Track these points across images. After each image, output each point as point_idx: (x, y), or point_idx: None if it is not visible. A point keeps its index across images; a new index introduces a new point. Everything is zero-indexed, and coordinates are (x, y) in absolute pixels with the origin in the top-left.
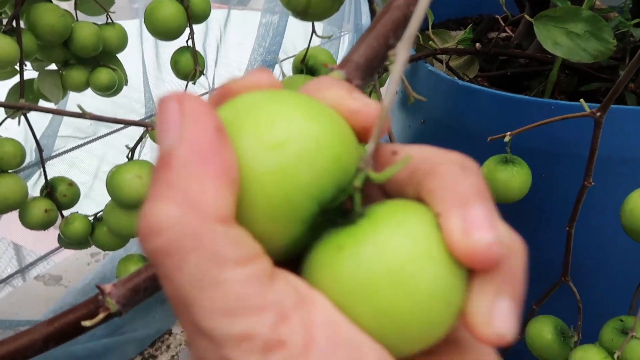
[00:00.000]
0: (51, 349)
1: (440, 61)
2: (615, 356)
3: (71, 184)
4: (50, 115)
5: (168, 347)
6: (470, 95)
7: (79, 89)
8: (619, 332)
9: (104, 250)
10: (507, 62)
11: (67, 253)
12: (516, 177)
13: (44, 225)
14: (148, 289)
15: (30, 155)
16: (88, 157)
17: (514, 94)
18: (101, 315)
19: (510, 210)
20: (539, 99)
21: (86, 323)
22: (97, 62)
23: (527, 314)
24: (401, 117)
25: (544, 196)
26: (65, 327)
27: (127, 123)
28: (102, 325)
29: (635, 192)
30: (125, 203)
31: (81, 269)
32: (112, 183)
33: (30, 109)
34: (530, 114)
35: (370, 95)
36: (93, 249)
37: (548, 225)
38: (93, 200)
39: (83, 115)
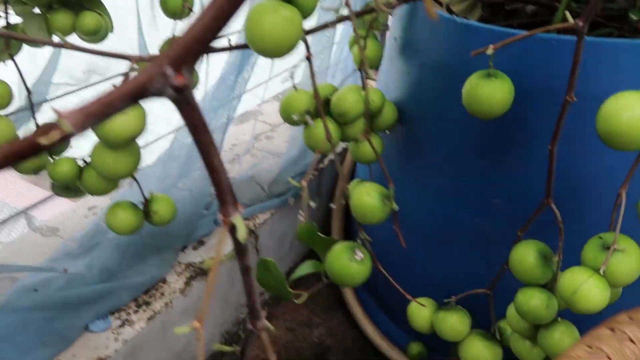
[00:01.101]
0: (9, 165)
1: (440, 4)
2: (601, 271)
3: None
4: (43, 64)
5: (162, 294)
6: (470, 34)
7: (65, 32)
8: (600, 248)
9: (93, 195)
10: (514, 13)
11: (65, 206)
12: (499, 92)
13: (35, 170)
14: (101, 115)
15: (22, 101)
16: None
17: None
18: (56, 134)
19: (495, 134)
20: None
21: (42, 140)
22: (82, 5)
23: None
24: (399, 64)
25: (528, 117)
26: (23, 146)
27: (119, 57)
28: (95, 272)
29: (610, 97)
30: (111, 142)
31: (79, 222)
32: None
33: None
34: (530, 49)
35: (366, 40)
36: (91, 202)
37: (532, 147)
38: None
39: (82, 49)
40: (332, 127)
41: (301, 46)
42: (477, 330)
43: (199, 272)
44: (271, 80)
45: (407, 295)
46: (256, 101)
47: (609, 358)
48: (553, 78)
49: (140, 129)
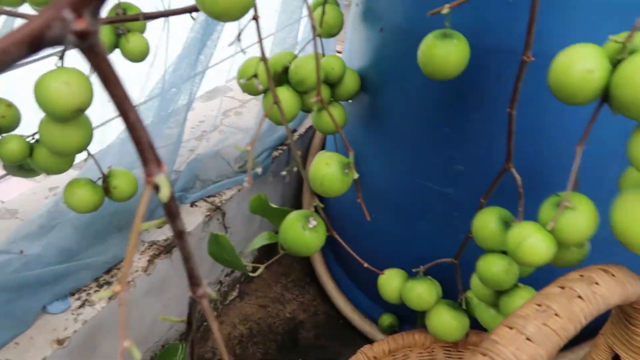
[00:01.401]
0: None
1: None
2: (549, 227)
3: (9, 105)
4: None
5: None
6: None
7: None
8: (554, 206)
9: (47, 174)
10: None
11: (25, 188)
12: (454, 52)
13: None
14: None
15: None
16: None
17: None
18: None
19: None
20: None
21: None
22: None
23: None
24: (361, 30)
25: (488, 79)
26: None
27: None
28: (54, 253)
29: (562, 51)
30: (56, 114)
31: (39, 203)
32: (38, 93)
33: None
34: (489, 8)
35: (324, 5)
36: (52, 182)
37: (494, 110)
38: None
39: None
40: (291, 96)
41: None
42: (444, 300)
43: (163, 250)
44: (238, 55)
45: (364, 263)
46: (226, 77)
47: (557, 315)
48: (512, 37)
49: (86, 100)
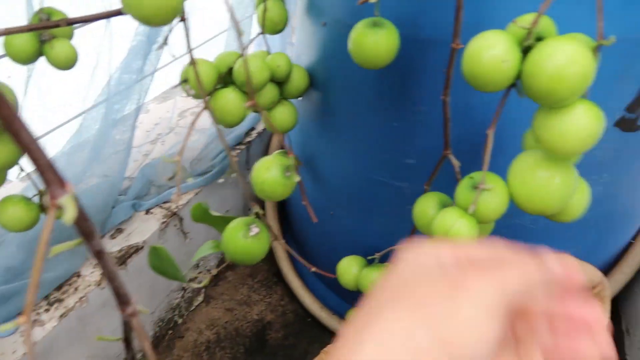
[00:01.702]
0: None
1: None
2: (470, 210)
3: None
4: None
5: (76, 289)
6: None
7: None
8: (470, 188)
9: None
10: None
11: None
12: (384, 41)
13: None
14: None
15: None
16: None
17: None
18: None
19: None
20: None
21: None
22: None
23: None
24: (307, 25)
25: (427, 70)
26: None
27: None
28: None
29: (473, 38)
30: None
31: None
32: None
33: None
34: (428, 1)
35: (265, 1)
36: None
37: (436, 102)
38: None
39: None
40: (237, 97)
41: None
42: None
43: (117, 261)
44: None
45: (312, 267)
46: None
47: None
48: (445, 25)
49: None
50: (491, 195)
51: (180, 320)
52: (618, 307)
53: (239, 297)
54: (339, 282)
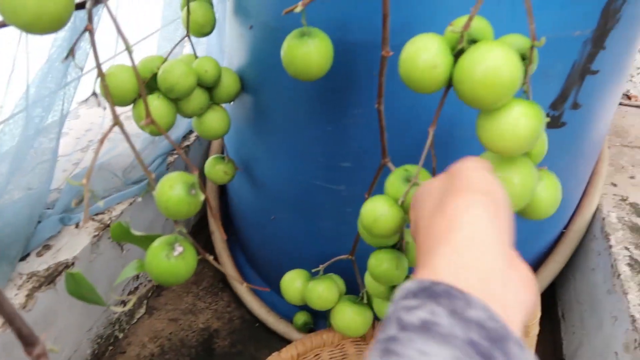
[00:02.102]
0: None
1: None
2: (399, 202)
3: None
4: None
5: None
6: None
7: None
8: (403, 180)
9: None
10: None
11: None
12: (315, 51)
13: None
14: None
15: None
16: None
17: None
18: None
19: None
20: None
21: None
22: None
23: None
24: (234, 27)
25: (360, 75)
26: None
27: None
28: None
29: (408, 42)
30: None
31: None
32: None
33: None
34: (354, 4)
35: (189, 3)
36: None
37: (370, 106)
38: None
39: None
40: (162, 104)
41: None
42: (348, 296)
43: (44, 281)
44: (118, 57)
45: (243, 283)
46: None
47: None
48: (376, 31)
49: None
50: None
51: (121, 335)
52: (554, 295)
53: (184, 306)
54: (284, 298)
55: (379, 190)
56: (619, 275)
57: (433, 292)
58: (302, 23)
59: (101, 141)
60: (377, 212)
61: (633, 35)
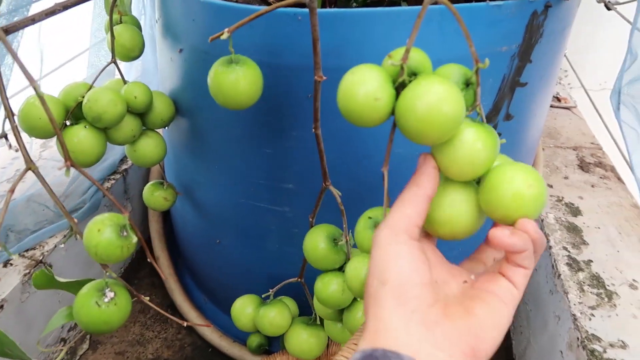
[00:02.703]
0: None
1: None
2: None
3: None
4: None
5: None
6: (218, 15)
7: None
8: (370, 229)
9: None
10: None
11: None
12: (243, 79)
13: None
14: None
15: None
16: None
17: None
18: None
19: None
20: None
21: None
22: None
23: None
24: (164, 50)
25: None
26: None
27: None
28: None
29: (347, 72)
30: None
31: None
32: None
33: None
34: (281, 27)
35: (111, 27)
36: None
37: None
38: None
39: None
40: (89, 135)
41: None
42: (300, 317)
43: None
44: (46, 78)
45: (184, 323)
46: None
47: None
48: (305, 52)
49: None
50: None
51: None
52: None
53: (131, 337)
54: (235, 326)
55: (323, 212)
56: (559, 275)
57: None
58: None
59: (11, 190)
60: (359, 269)
61: (556, 48)
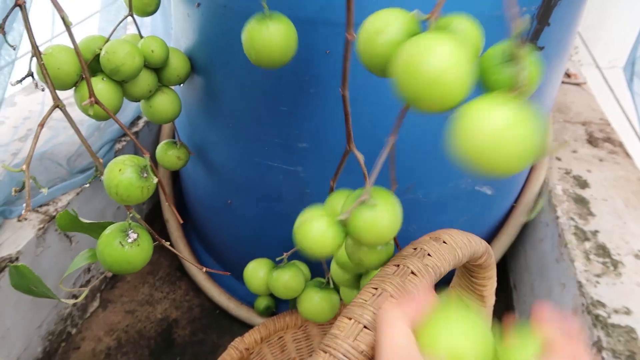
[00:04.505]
0: None
1: None
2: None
3: None
4: None
5: None
6: None
7: None
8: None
9: None
10: None
11: None
12: (277, 36)
13: None
14: None
15: None
16: None
17: None
18: None
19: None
20: None
21: None
22: None
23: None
24: (180, 5)
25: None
26: None
27: None
28: None
29: (367, 19)
30: None
31: None
32: None
33: None
34: None
35: None
36: None
37: (329, 87)
38: None
39: None
40: (107, 87)
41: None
42: (313, 280)
43: None
44: (56, 39)
45: (195, 264)
46: None
47: (392, 297)
48: (332, 8)
49: None
50: (377, 213)
51: (74, 330)
52: (506, 266)
53: (140, 297)
54: (247, 288)
55: (344, 174)
56: (566, 244)
57: None
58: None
59: (41, 124)
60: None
61: (575, 12)
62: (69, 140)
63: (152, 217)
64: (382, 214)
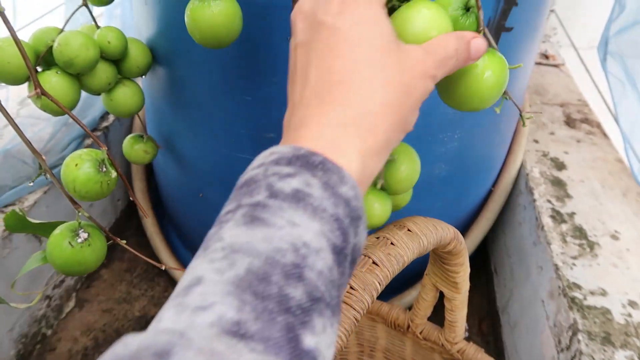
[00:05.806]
0: None
1: None
2: (379, 186)
3: None
4: None
5: None
6: None
7: None
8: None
9: None
10: None
11: None
12: (219, 14)
13: None
14: None
15: None
16: None
17: None
18: None
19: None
20: None
21: None
22: None
23: None
24: None
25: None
26: None
27: None
28: None
29: None
30: None
31: None
32: None
33: None
34: None
35: None
36: None
37: (282, 75)
38: None
39: None
40: (61, 81)
41: None
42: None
43: None
44: (20, 33)
45: (154, 262)
46: None
47: (352, 288)
48: None
49: None
50: (397, 165)
51: (49, 332)
52: (487, 251)
53: (117, 295)
54: None
55: None
56: (543, 227)
57: (309, 163)
58: None
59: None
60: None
61: None
62: (35, 137)
63: (129, 214)
64: (403, 164)
